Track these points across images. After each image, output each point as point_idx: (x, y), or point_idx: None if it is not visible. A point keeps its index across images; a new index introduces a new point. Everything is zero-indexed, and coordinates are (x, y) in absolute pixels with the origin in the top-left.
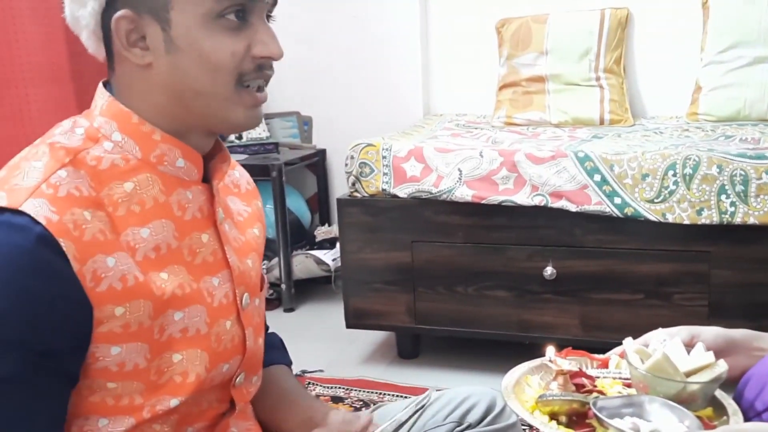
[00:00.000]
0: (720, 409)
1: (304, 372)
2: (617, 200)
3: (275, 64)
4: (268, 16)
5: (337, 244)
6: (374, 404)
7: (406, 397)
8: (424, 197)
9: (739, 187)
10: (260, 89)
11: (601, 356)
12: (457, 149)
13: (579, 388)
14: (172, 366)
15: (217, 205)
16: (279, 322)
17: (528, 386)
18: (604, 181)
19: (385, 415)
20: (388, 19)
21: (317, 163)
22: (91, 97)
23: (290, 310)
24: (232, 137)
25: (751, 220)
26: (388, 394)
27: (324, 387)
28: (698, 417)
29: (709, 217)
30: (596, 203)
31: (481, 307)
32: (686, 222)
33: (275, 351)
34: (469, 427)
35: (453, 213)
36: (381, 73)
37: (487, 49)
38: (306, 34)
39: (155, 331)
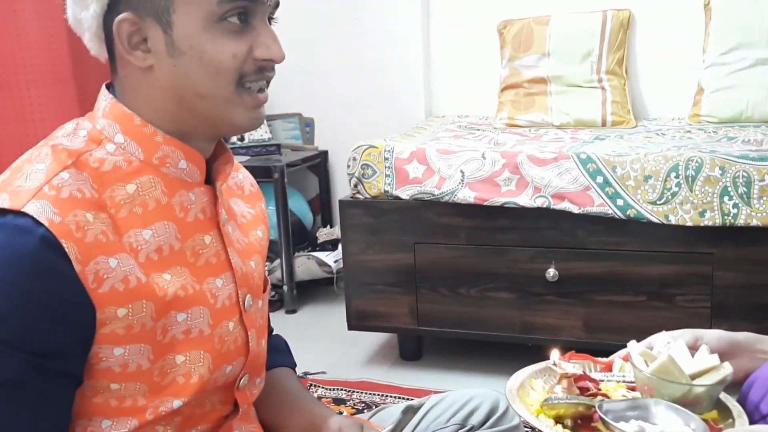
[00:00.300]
0: (725, 412)
1: (306, 374)
2: (620, 202)
3: (277, 65)
4: (271, 18)
5: (339, 246)
6: (376, 406)
7: (409, 399)
8: (426, 199)
9: (741, 189)
10: (261, 90)
11: (604, 359)
12: (460, 151)
13: (583, 391)
14: (175, 367)
15: (220, 206)
16: (281, 323)
17: (532, 390)
18: (606, 182)
19: (386, 419)
20: (390, 21)
21: (319, 164)
22: (94, 99)
23: (292, 311)
24: (234, 139)
25: (754, 222)
26: (391, 396)
27: (326, 389)
28: (703, 420)
29: (712, 218)
30: (599, 205)
31: (483, 308)
32: (689, 224)
33: (280, 353)
34: (472, 429)
35: (455, 215)
36: (383, 75)
37: (488, 50)
38: (308, 36)
39: (158, 333)
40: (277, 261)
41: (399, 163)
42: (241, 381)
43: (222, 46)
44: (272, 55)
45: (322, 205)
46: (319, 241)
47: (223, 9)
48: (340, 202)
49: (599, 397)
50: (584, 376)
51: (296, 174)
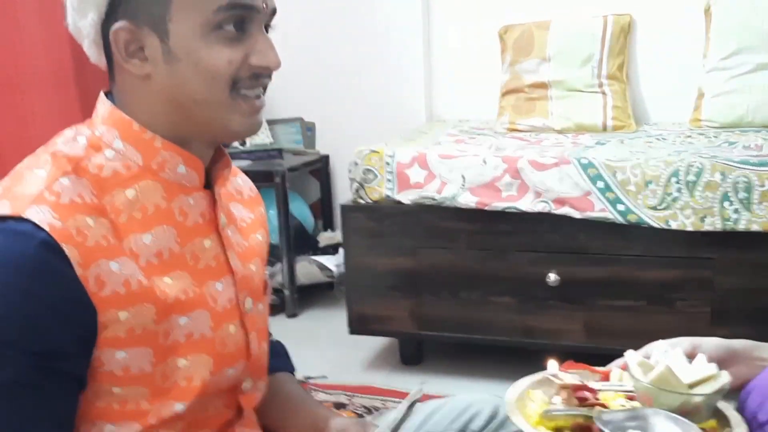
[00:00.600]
0: (723, 421)
1: (307, 378)
2: (621, 207)
3: (279, 70)
4: (268, 26)
5: (341, 250)
6: (377, 410)
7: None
8: (427, 203)
9: (742, 194)
10: (258, 97)
11: (602, 368)
12: (461, 156)
13: (582, 401)
14: (177, 370)
15: (219, 210)
16: (282, 327)
17: (531, 401)
18: (607, 187)
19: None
20: (391, 25)
21: (320, 168)
22: (95, 102)
23: (294, 315)
24: (235, 143)
25: (755, 227)
26: (391, 401)
27: (327, 393)
28: (702, 429)
29: (713, 224)
30: (600, 210)
31: (485, 313)
32: (689, 229)
33: (279, 358)
34: None
35: (457, 219)
36: (384, 79)
37: (489, 54)
38: (309, 40)
39: (160, 336)
40: (279, 265)
41: (400, 168)
42: (246, 385)
43: (218, 52)
44: (268, 62)
45: (323, 208)
46: (320, 245)
47: (219, 17)
48: (342, 206)
49: (598, 408)
50: (583, 386)
51: (298, 178)
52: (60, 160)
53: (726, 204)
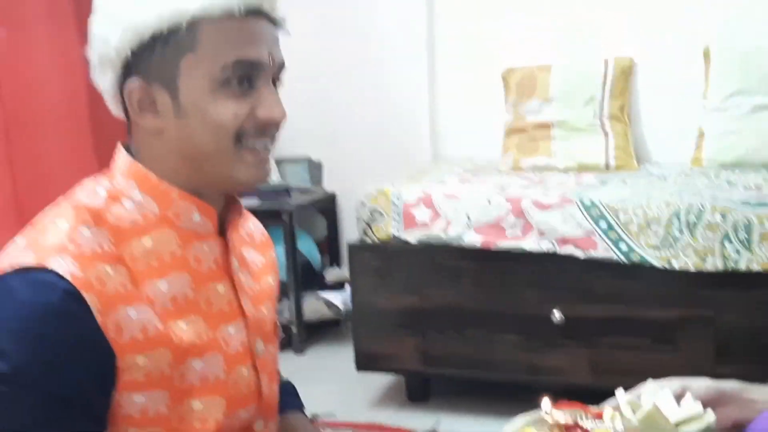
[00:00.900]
0: None
1: (315, 416)
2: (623, 247)
3: (285, 108)
4: (276, 80)
5: (347, 286)
6: None
7: None
8: (433, 242)
9: (742, 235)
10: (266, 148)
11: (595, 408)
12: (466, 195)
13: None
14: (192, 412)
15: (232, 255)
16: (290, 364)
17: None
18: (610, 228)
19: None
20: (397, 67)
21: (327, 206)
22: (109, 148)
23: (301, 351)
24: None
25: (756, 267)
26: None
27: (335, 430)
28: None
29: (714, 264)
30: (603, 250)
31: (490, 350)
32: (691, 269)
33: (288, 396)
34: None
35: (462, 258)
36: (390, 119)
37: (493, 95)
38: (317, 82)
39: (176, 379)
40: (286, 301)
41: (406, 208)
42: (257, 425)
43: (224, 107)
44: (273, 116)
45: (330, 245)
46: (327, 281)
47: (225, 74)
48: (349, 245)
49: None
50: (575, 426)
51: (305, 215)
52: (81, 211)
53: (727, 244)
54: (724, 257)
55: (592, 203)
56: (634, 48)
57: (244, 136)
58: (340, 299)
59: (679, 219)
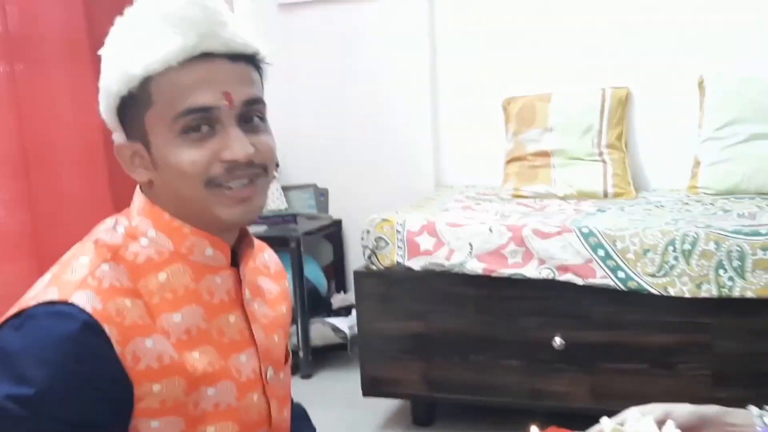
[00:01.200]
0: None
1: None
2: (621, 274)
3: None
4: (250, 117)
5: (353, 311)
6: None
7: None
8: (437, 270)
9: (736, 263)
10: (245, 186)
11: None
12: (468, 224)
13: None
14: None
15: (245, 286)
16: (296, 388)
17: None
18: (607, 256)
19: None
20: (401, 97)
21: (333, 232)
22: (124, 182)
23: (308, 376)
24: None
25: (749, 294)
26: None
27: None
28: None
29: (709, 291)
30: (601, 277)
31: (493, 375)
32: (687, 296)
33: (300, 421)
34: None
35: (465, 285)
36: (394, 147)
37: (494, 124)
38: (322, 111)
39: (190, 406)
40: (293, 327)
41: (410, 236)
42: None
43: (181, 155)
44: (236, 157)
45: (336, 271)
46: (333, 307)
47: (180, 124)
48: (355, 272)
49: None
50: None
51: (311, 242)
52: (101, 249)
53: (721, 272)
54: (719, 285)
55: (591, 232)
56: (631, 78)
57: (216, 179)
58: (346, 324)
59: (674, 247)
